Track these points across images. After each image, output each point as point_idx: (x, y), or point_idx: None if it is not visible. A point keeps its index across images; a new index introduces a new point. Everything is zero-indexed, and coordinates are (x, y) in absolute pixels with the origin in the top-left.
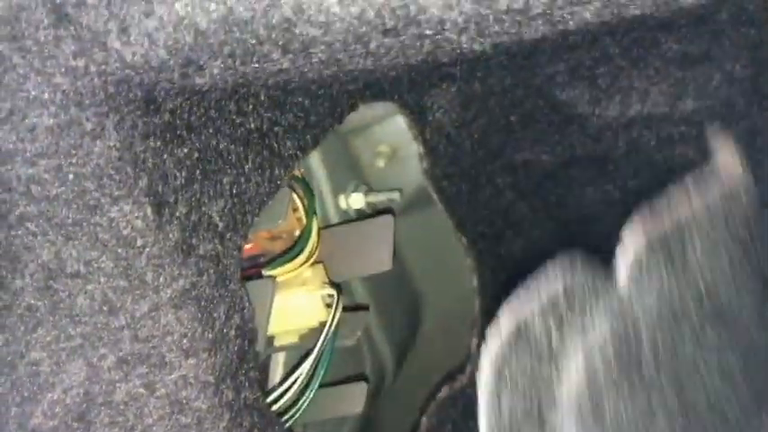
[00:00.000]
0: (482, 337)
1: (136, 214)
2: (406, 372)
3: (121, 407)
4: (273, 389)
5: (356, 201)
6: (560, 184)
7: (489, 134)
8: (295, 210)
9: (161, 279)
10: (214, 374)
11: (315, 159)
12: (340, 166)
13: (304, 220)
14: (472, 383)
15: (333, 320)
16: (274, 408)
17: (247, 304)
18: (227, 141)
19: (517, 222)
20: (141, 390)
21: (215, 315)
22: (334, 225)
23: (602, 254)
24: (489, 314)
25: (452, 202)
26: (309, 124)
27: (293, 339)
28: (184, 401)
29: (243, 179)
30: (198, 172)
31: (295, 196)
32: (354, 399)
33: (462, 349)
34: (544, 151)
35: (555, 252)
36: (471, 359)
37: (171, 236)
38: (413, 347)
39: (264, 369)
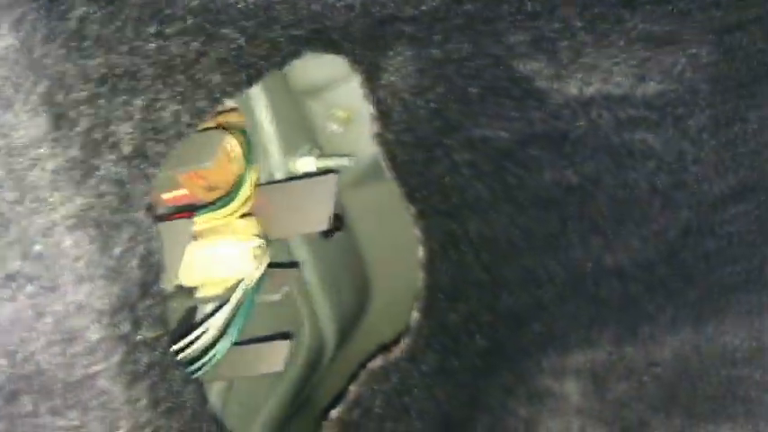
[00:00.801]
0: (424, 312)
1: (31, 122)
2: (350, 345)
3: (6, 326)
4: (183, 337)
5: (306, 164)
6: (519, 164)
7: (447, 105)
8: (230, 161)
9: (57, 196)
10: (110, 304)
11: (265, 115)
12: (292, 127)
13: (238, 168)
14: (409, 357)
15: (255, 271)
16: (181, 355)
17: (154, 236)
18: (143, 63)
19: (473, 202)
20: (29, 311)
21: (115, 241)
22: (274, 182)
23: (556, 243)
24: (433, 289)
25: (403, 170)
26: (243, 62)
27: (217, 291)
28: (75, 330)
29: (158, 105)
30: (105, 88)
31: (231, 142)
32: (275, 357)
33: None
34: (503, 127)
35: (511, 236)
36: (411, 333)
37: (70, 152)
38: (359, 321)
39: (189, 321)
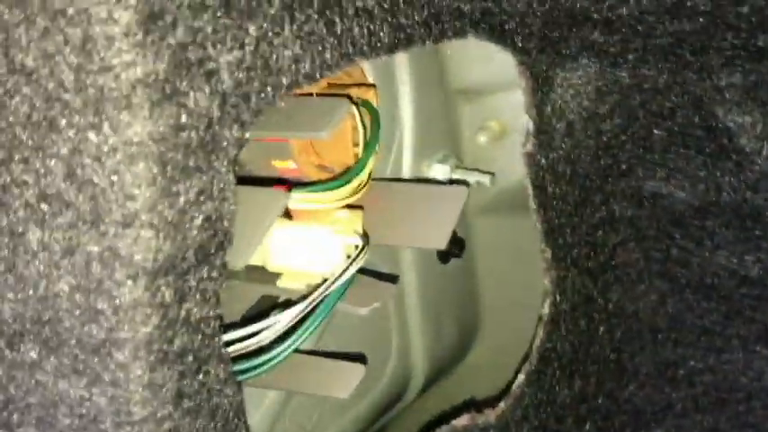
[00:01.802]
0: (531, 379)
1: (118, 12)
2: (437, 390)
3: (27, 255)
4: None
5: (438, 171)
6: (690, 235)
7: (622, 142)
8: (357, 144)
9: (125, 115)
10: (155, 261)
11: (408, 107)
12: (435, 127)
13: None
14: (502, 426)
15: (344, 272)
16: (231, 349)
17: (231, 198)
18: None
19: (623, 267)
20: (58, 244)
21: (181, 189)
22: (395, 179)
23: (712, 342)
24: (548, 355)
25: (550, 207)
26: (392, 21)
27: (299, 285)
28: (107, 281)
29: (277, 40)
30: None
31: (357, 119)
32: (343, 381)
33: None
34: (683, 186)
35: (657, 320)
36: (510, 397)
37: (155, 65)
38: (454, 365)
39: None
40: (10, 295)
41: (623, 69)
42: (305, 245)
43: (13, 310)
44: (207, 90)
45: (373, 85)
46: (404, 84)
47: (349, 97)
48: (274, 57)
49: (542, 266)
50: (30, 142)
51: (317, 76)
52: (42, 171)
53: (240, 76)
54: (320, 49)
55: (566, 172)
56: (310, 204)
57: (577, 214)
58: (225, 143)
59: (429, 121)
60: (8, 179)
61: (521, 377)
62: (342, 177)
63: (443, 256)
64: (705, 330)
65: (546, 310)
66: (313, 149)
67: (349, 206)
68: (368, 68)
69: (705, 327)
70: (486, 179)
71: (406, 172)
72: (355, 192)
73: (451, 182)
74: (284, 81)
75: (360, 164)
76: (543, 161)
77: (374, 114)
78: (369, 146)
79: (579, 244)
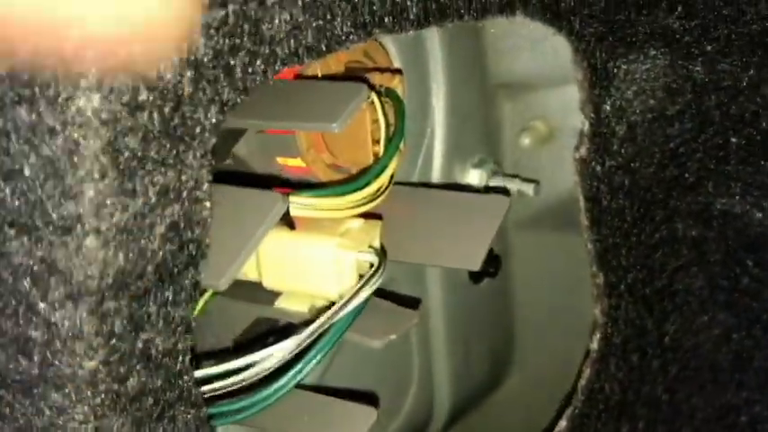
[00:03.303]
0: (575, 423)
1: None
2: (461, 428)
3: None
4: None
5: (474, 177)
6: (764, 263)
7: (691, 150)
8: (377, 141)
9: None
10: (101, 278)
11: (442, 102)
12: (472, 127)
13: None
14: None
15: (353, 295)
16: (208, 387)
17: (205, 200)
18: None
19: (683, 295)
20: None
21: (138, 187)
22: (422, 185)
23: None
24: (594, 395)
25: (604, 223)
26: None
27: (301, 307)
28: (37, 301)
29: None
30: None
31: (378, 111)
32: (352, 427)
33: (540, 424)
34: (759, 206)
35: (720, 358)
36: None
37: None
38: (484, 398)
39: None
40: None
41: (699, 63)
42: (309, 260)
43: None
44: (174, 58)
45: (399, 71)
46: (437, 73)
47: (369, 83)
48: (267, 21)
49: (593, 293)
50: None
51: (323, 48)
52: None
53: (220, 42)
54: (328, 15)
55: (624, 183)
56: (317, 211)
57: (635, 233)
58: (198, 129)
59: (465, 119)
60: None
61: (563, 423)
62: (357, 179)
63: (476, 275)
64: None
65: (595, 345)
66: (325, 145)
67: (365, 215)
68: (394, 52)
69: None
70: (529, 188)
71: (436, 176)
72: (373, 197)
73: (488, 190)
74: (279, 53)
75: (380, 164)
76: (599, 169)
77: (399, 106)
78: (391, 143)
79: (635, 267)
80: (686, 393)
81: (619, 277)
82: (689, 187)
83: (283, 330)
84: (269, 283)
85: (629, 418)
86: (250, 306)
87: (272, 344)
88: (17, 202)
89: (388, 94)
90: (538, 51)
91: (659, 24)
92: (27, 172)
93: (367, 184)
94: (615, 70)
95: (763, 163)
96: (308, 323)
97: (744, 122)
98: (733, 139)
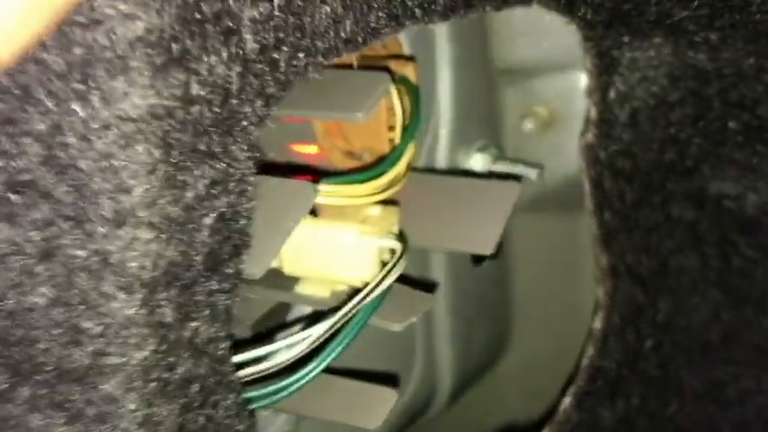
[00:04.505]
0: (578, 401)
1: None
2: (465, 404)
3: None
4: (259, 343)
5: (478, 162)
6: (756, 244)
7: (690, 135)
8: (391, 128)
9: (120, 82)
10: (154, 270)
11: (448, 87)
12: (475, 112)
13: (398, 142)
14: None
15: (380, 281)
16: (242, 373)
17: (250, 191)
18: None
19: (675, 275)
20: (33, 245)
21: (188, 180)
22: (436, 171)
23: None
24: (596, 374)
25: (607, 206)
26: None
27: (323, 293)
28: (92, 293)
29: None
30: None
31: (396, 103)
32: (373, 408)
33: (542, 401)
34: (753, 188)
35: (710, 335)
36: (556, 423)
37: (159, 20)
38: (484, 376)
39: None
40: None
41: (702, 51)
42: (331, 246)
43: None
44: (224, 54)
45: (412, 59)
46: (443, 60)
47: (389, 73)
48: (309, 15)
49: (596, 274)
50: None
51: (360, 41)
52: (13, 152)
53: (266, 37)
54: (365, 8)
55: (625, 167)
56: (338, 198)
57: (633, 216)
58: (245, 122)
59: (469, 105)
60: None
61: (567, 400)
62: (375, 168)
63: (477, 258)
64: (761, 348)
65: (597, 324)
66: (340, 132)
67: (383, 202)
68: (405, 39)
69: (762, 345)
70: (532, 173)
71: (441, 162)
72: (391, 185)
73: (492, 175)
74: (320, 46)
75: (396, 152)
76: (602, 154)
77: (414, 93)
78: (408, 131)
79: (633, 249)
80: (677, 369)
81: (619, 259)
82: (686, 171)
83: (312, 318)
84: (289, 268)
85: (625, 394)
86: (270, 292)
87: (302, 329)
88: (71, 196)
89: (402, 82)
90: (539, 38)
91: (665, 13)
92: (82, 166)
93: (385, 172)
94: (620, 57)
95: (758, 147)
96: (333, 310)
97: (742, 108)
98: (731, 125)
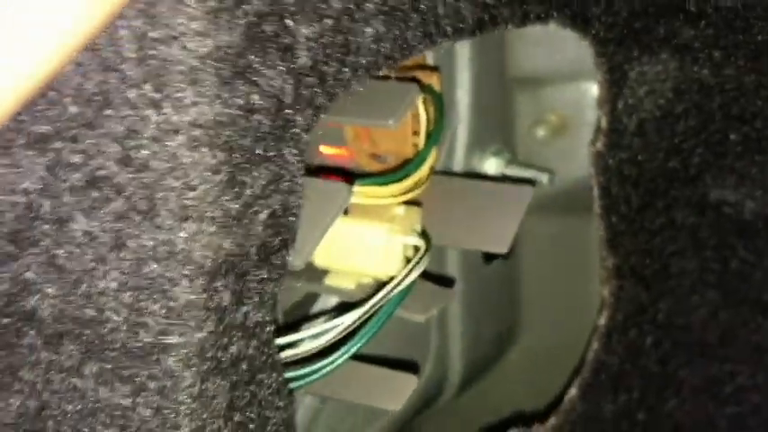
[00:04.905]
0: (584, 393)
1: None
2: (473, 394)
3: (72, 246)
4: (289, 330)
5: (491, 165)
6: (754, 248)
7: (694, 145)
8: (415, 133)
9: (189, 92)
10: (215, 259)
11: (464, 95)
12: (490, 118)
13: (421, 146)
14: None
15: (406, 276)
16: (283, 355)
17: (298, 191)
18: None
19: (676, 276)
20: (106, 235)
21: (247, 179)
22: (455, 174)
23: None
24: (600, 368)
25: (614, 210)
26: (476, 2)
27: (349, 284)
28: (158, 279)
29: (359, 15)
30: None
31: (421, 110)
32: (395, 392)
33: (546, 392)
34: (751, 195)
35: (707, 333)
36: (562, 412)
37: (226, 36)
38: (492, 367)
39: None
40: (50, 290)
41: (706, 67)
42: (360, 243)
43: (52, 307)
44: (282, 68)
45: (436, 69)
46: (463, 68)
47: (419, 83)
48: (355, 33)
49: (601, 275)
50: (80, 118)
51: (397, 57)
52: (92, 152)
53: (318, 53)
54: (403, 27)
55: (631, 174)
56: (366, 198)
57: (638, 220)
58: (296, 129)
59: (486, 111)
60: (53, 159)
61: (573, 391)
62: (401, 170)
63: (489, 256)
64: (758, 347)
65: (602, 321)
66: (368, 136)
67: (406, 202)
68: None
69: (758, 344)
70: (543, 177)
71: (458, 165)
72: (415, 187)
73: (505, 177)
74: (363, 62)
75: (421, 156)
76: (611, 162)
77: (438, 102)
78: (432, 137)
79: (637, 251)
80: (675, 366)
81: (624, 260)
82: (689, 179)
83: (341, 308)
84: (320, 261)
85: (626, 388)
86: (301, 283)
87: (335, 317)
88: (143, 192)
89: (426, 90)
90: (552, 49)
91: (673, 32)
92: (154, 165)
93: (410, 175)
94: (630, 72)
95: (756, 158)
96: (361, 301)
97: (743, 121)
98: (732, 136)
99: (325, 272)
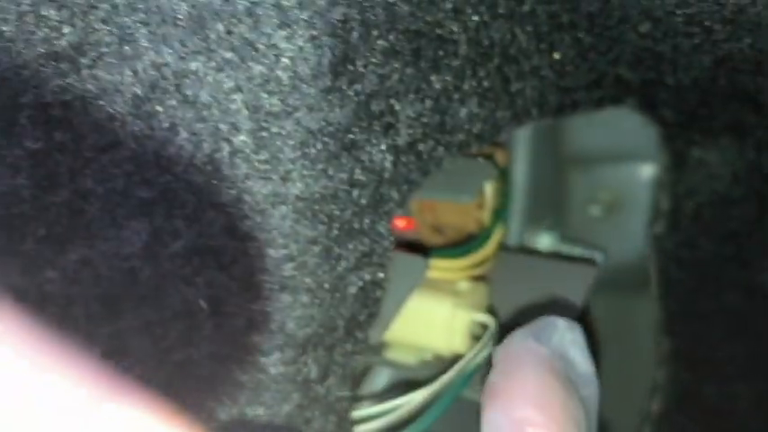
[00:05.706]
0: None
1: (306, 51)
2: None
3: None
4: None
5: (544, 241)
6: None
7: (749, 231)
8: (479, 207)
9: (298, 166)
10: (304, 332)
11: (521, 170)
12: (545, 194)
13: (484, 221)
14: None
15: (475, 355)
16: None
17: (387, 265)
18: (459, 32)
19: (720, 361)
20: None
21: (343, 252)
22: (515, 249)
23: None
24: None
25: (670, 291)
26: (559, 86)
27: (410, 359)
28: (241, 339)
29: (457, 95)
30: (407, 47)
31: (487, 188)
32: None
33: None
34: None
35: (751, 424)
36: None
37: (338, 113)
38: None
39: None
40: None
41: (765, 154)
42: (424, 316)
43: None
44: (383, 145)
45: (501, 145)
46: (521, 144)
47: (494, 161)
48: (451, 113)
49: (656, 358)
50: (189, 185)
51: (486, 136)
52: (202, 219)
53: (417, 132)
54: (494, 108)
55: (686, 258)
56: (435, 271)
57: (689, 303)
58: (391, 204)
59: (541, 188)
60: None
61: None
62: (469, 245)
63: None
64: None
65: (654, 406)
66: (432, 208)
67: (472, 277)
68: None
69: None
70: (597, 256)
71: (512, 240)
72: (483, 262)
73: (559, 255)
74: (456, 140)
75: (488, 231)
76: (669, 244)
77: (504, 178)
78: (500, 213)
79: (689, 335)
80: None
81: (675, 343)
82: (742, 263)
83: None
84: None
85: None
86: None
87: (404, 394)
88: (243, 262)
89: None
90: (608, 129)
91: (737, 119)
92: (257, 235)
93: (477, 250)
94: (690, 155)
95: None
96: (429, 379)
97: None
98: None
99: (384, 345)
